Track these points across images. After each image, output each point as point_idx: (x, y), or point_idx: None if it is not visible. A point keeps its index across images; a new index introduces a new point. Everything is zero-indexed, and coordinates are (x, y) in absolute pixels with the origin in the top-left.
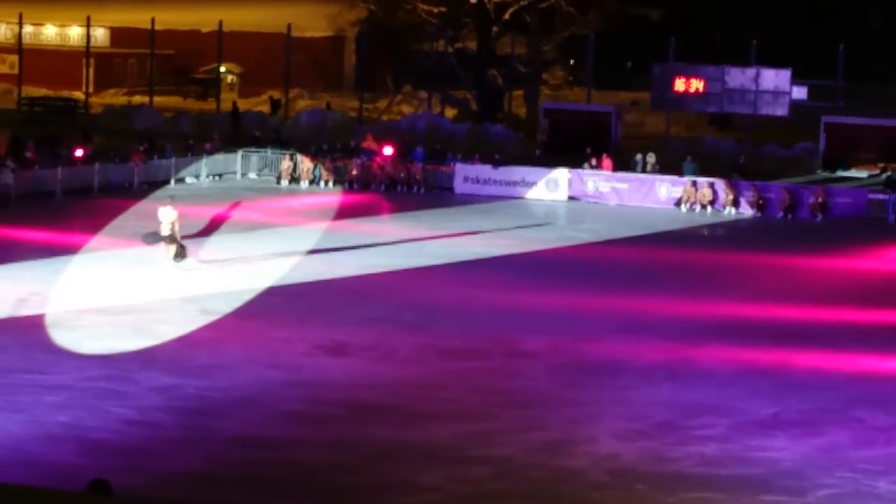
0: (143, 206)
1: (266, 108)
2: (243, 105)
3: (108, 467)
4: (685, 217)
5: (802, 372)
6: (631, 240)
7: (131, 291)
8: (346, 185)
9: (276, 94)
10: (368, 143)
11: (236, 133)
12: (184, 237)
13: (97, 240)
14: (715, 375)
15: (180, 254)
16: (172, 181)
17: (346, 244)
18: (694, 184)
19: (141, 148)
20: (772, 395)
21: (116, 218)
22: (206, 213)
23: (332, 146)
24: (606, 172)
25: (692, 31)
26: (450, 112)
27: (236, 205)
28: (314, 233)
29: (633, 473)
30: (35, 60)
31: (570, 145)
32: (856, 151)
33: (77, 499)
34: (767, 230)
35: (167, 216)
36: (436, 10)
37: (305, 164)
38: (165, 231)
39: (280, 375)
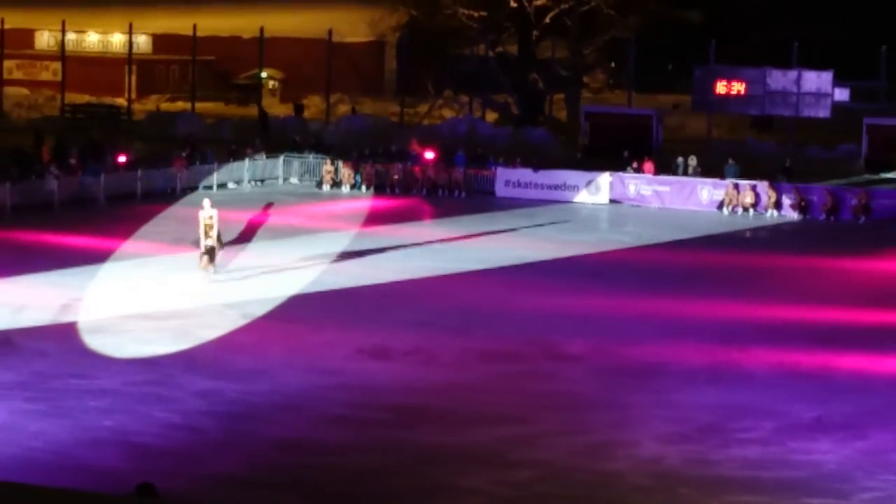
0: (185, 211)
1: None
2: (282, 111)
3: (152, 471)
4: (727, 220)
5: (846, 374)
6: (673, 243)
7: (173, 296)
8: (388, 189)
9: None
10: (414, 147)
11: (265, 138)
12: (227, 242)
13: (140, 245)
14: (758, 378)
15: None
16: (215, 186)
17: (387, 248)
18: (736, 186)
19: (183, 154)
20: (815, 397)
21: (159, 223)
22: (249, 218)
23: (373, 151)
24: (648, 175)
25: (732, 34)
26: (490, 116)
27: (278, 209)
28: (356, 237)
29: (676, 476)
30: (78, 67)
31: (611, 148)
32: None
33: (124, 503)
34: (810, 232)
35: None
36: (476, 15)
37: (347, 168)
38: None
39: (322, 379)
